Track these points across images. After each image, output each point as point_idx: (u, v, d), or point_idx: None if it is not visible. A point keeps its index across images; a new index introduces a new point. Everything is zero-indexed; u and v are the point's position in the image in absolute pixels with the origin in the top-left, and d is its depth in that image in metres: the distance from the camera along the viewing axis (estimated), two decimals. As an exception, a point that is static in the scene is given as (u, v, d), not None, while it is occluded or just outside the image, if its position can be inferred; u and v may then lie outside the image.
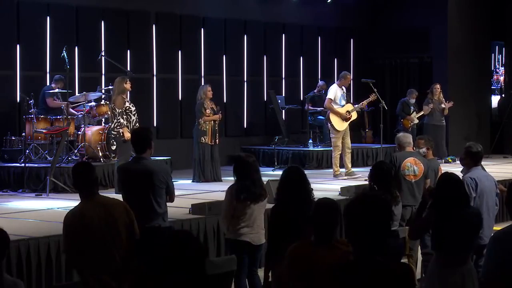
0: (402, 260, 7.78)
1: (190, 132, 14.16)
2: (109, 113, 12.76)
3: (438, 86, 16.99)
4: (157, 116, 15.96)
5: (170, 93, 16.22)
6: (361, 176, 13.57)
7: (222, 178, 13.35)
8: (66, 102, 12.93)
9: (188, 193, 11.77)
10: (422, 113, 17.03)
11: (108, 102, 12.91)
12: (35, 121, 12.54)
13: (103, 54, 14.24)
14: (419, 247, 8.94)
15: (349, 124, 14.18)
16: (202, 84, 15.16)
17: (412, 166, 9.18)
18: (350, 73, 15.67)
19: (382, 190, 7.75)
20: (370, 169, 9.05)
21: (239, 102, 17.54)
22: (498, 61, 21.94)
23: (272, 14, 17.98)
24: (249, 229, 7.41)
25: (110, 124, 12.59)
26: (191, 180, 13.46)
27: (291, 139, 17.12)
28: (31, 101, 12.63)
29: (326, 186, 12.86)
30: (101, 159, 12.73)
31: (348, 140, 14.12)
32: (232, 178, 7.62)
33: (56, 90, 13.19)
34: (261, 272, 7.59)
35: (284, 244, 6.87)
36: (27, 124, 12.63)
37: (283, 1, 18.21)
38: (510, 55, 21.07)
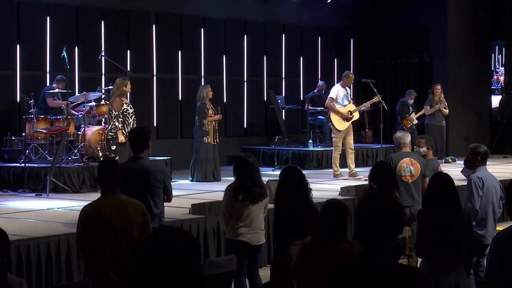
0: (401, 260, 7.80)
1: (190, 132, 14.17)
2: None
3: (439, 86, 16.97)
4: (157, 116, 15.96)
5: (170, 93, 16.22)
6: (362, 177, 13.56)
7: (222, 178, 13.37)
8: (66, 102, 12.93)
9: (188, 193, 11.77)
10: (421, 113, 17.01)
11: (108, 102, 12.91)
12: (35, 121, 12.54)
13: (103, 54, 14.24)
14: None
15: (351, 125, 14.17)
16: (202, 84, 15.18)
17: (408, 166, 9.16)
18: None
19: (381, 190, 7.75)
20: (370, 169, 9.06)
21: (239, 102, 17.54)
22: (498, 61, 21.94)
23: (272, 14, 17.98)
24: (247, 229, 7.41)
25: (107, 125, 12.62)
26: (190, 180, 13.47)
27: (291, 139, 17.12)
28: (31, 101, 12.63)
29: (326, 186, 12.86)
30: (101, 159, 12.72)
31: (351, 140, 14.08)
32: (232, 178, 7.63)
33: (56, 90, 13.19)
34: (261, 272, 7.61)
35: (285, 243, 6.91)
36: (27, 124, 12.62)
37: (283, 1, 18.21)
38: (510, 55, 21.07)
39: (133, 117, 12.05)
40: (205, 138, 13.41)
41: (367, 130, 19.05)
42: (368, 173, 9.49)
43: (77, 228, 6.29)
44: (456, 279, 6.03)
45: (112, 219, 6.05)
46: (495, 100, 21.36)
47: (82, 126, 12.88)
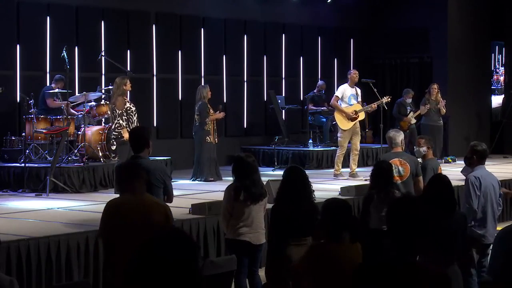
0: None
1: (190, 132, 14.17)
2: (109, 113, 12.79)
3: (435, 86, 16.92)
4: (157, 116, 15.96)
5: (170, 93, 16.22)
6: (362, 177, 13.54)
7: (224, 178, 13.37)
8: (66, 102, 12.93)
9: (188, 193, 11.77)
10: (418, 112, 16.96)
11: (108, 102, 12.92)
12: (35, 121, 12.54)
13: (103, 54, 14.25)
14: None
15: (359, 125, 14.13)
16: (202, 84, 15.18)
17: (397, 167, 9.06)
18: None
19: (381, 189, 7.75)
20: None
21: (239, 102, 17.54)
22: (498, 61, 21.92)
23: (272, 14, 17.98)
24: (248, 229, 7.41)
25: (110, 124, 12.64)
26: (193, 180, 13.48)
27: (291, 139, 17.12)
28: (31, 101, 12.63)
29: (326, 186, 12.86)
30: (101, 159, 12.73)
31: (357, 142, 14.01)
32: (231, 178, 7.63)
33: (56, 90, 13.18)
34: (261, 272, 7.60)
35: (285, 243, 6.90)
36: (27, 124, 12.62)
37: (283, 1, 18.21)
38: (510, 55, 21.07)
39: (136, 115, 12.13)
40: (208, 138, 13.44)
41: (367, 130, 19.03)
42: (370, 172, 9.53)
43: (100, 222, 6.32)
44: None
45: (134, 218, 6.08)
46: (495, 100, 21.36)
47: (82, 126, 12.88)
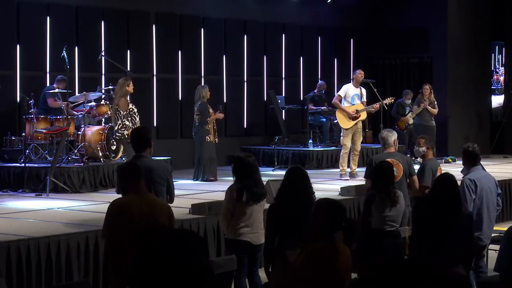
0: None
1: (190, 132, 14.17)
2: (109, 113, 12.81)
3: (427, 86, 16.83)
4: (157, 116, 15.96)
5: (170, 93, 16.22)
6: (361, 178, 13.53)
7: (222, 178, 13.38)
8: (66, 102, 12.93)
9: (188, 193, 11.77)
10: (415, 113, 16.94)
11: (108, 102, 12.93)
12: (35, 121, 12.53)
13: (103, 54, 14.25)
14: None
15: (361, 125, 14.11)
16: (202, 84, 15.19)
17: None
18: (350, 73, 15.61)
19: (382, 190, 7.75)
20: (366, 168, 9.05)
21: (239, 102, 17.54)
22: (498, 61, 21.92)
23: (272, 14, 17.98)
24: (249, 229, 7.41)
25: (111, 124, 12.66)
26: (194, 179, 13.50)
27: (291, 139, 17.11)
28: (31, 101, 12.63)
29: (326, 186, 12.86)
30: (101, 159, 12.73)
31: (358, 142, 14.00)
32: (231, 178, 7.62)
33: (57, 90, 13.18)
34: (261, 272, 7.60)
35: (283, 243, 6.90)
36: (27, 124, 12.62)
37: (283, 1, 18.21)
38: (510, 55, 21.08)
39: (138, 116, 12.21)
40: (207, 137, 13.45)
41: (367, 130, 19.03)
42: (365, 172, 9.51)
43: (104, 222, 6.32)
44: None
45: (139, 217, 6.09)
46: (495, 100, 21.37)
47: (82, 126, 12.88)
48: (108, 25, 15.11)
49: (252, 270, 7.59)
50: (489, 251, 8.51)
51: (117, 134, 12.36)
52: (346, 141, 13.92)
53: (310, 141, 16.53)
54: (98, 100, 13.22)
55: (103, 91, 13.56)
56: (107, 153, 12.83)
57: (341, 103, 13.99)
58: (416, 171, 9.35)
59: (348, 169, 14.07)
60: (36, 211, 10.19)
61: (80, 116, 13.07)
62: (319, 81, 17.78)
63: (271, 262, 6.96)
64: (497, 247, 9.30)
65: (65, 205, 10.67)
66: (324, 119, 16.94)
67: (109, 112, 12.81)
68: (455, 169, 14.20)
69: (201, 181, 13.41)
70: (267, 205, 7.66)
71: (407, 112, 17.02)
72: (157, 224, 6.10)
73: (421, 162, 9.75)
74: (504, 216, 12.56)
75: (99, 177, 12.44)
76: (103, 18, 15.07)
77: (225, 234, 7.75)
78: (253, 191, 7.37)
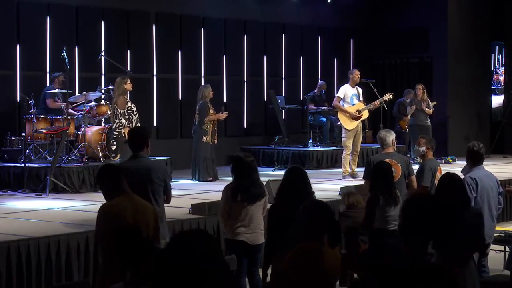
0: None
1: (190, 132, 14.17)
2: (109, 113, 12.81)
3: (420, 86, 16.78)
4: (157, 116, 15.96)
5: (170, 93, 16.22)
6: (362, 178, 13.52)
7: (221, 178, 13.39)
8: (65, 103, 12.93)
9: (188, 193, 11.77)
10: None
11: (108, 102, 12.93)
12: (35, 121, 12.53)
13: (103, 54, 14.25)
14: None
15: (361, 125, 14.11)
16: (203, 84, 15.19)
17: None
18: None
19: (384, 190, 7.75)
20: (366, 168, 9.03)
21: (239, 102, 17.54)
22: (498, 61, 21.93)
23: (272, 14, 17.98)
24: (246, 229, 7.40)
25: (111, 124, 12.66)
26: (192, 179, 13.50)
27: (291, 139, 17.11)
28: (31, 101, 12.63)
29: (326, 186, 12.86)
30: (101, 159, 12.73)
31: (358, 142, 13.99)
32: (231, 178, 7.63)
33: (57, 90, 13.18)
34: (261, 272, 7.60)
35: (284, 243, 6.89)
36: (27, 124, 12.62)
37: (283, 1, 18.21)
38: (510, 55, 21.07)
39: (137, 115, 12.22)
40: (204, 138, 13.44)
41: (367, 130, 19.04)
42: (364, 172, 9.50)
43: (95, 227, 6.29)
44: (463, 279, 6.03)
45: (131, 216, 6.07)
46: (495, 100, 21.37)
47: (82, 126, 12.88)
48: (108, 25, 15.11)
49: (252, 270, 7.59)
50: (490, 251, 8.51)
51: (114, 132, 12.38)
52: (349, 143, 13.90)
53: (310, 141, 16.53)
54: (98, 100, 13.22)
55: (103, 91, 13.56)
56: (107, 153, 12.83)
57: (340, 104, 14.00)
58: (415, 171, 9.34)
59: (349, 169, 14.06)
60: (36, 211, 10.19)
61: (80, 116, 13.07)
62: (319, 81, 17.78)
63: (271, 262, 6.96)
64: (497, 247, 9.34)
65: (65, 205, 10.66)
66: (324, 119, 16.94)
67: (109, 112, 12.81)
68: (455, 169, 14.17)
69: (197, 181, 13.40)
70: (269, 205, 7.67)
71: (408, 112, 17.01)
72: (147, 225, 6.09)
73: (420, 162, 9.74)
74: (504, 216, 12.56)
75: (99, 177, 12.41)
76: (103, 18, 15.07)
77: (224, 234, 7.76)
78: (250, 191, 7.36)
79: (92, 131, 12.89)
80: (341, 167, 14.22)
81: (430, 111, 16.54)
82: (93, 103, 13.10)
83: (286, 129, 16.99)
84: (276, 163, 15.77)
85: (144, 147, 7.26)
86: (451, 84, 19.21)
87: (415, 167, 9.79)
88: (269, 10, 17.88)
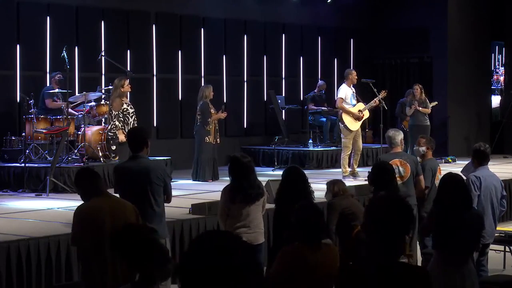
0: (402, 260, 7.78)
1: (190, 132, 14.18)
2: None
3: (417, 86, 16.77)
4: (157, 116, 15.96)
5: (170, 93, 16.22)
6: (362, 177, 13.52)
7: (222, 178, 13.38)
8: (65, 103, 12.93)
9: (188, 193, 11.77)
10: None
11: (108, 102, 12.93)
12: (35, 121, 12.54)
13: (103, 54, 14.24)
14: (419, 247, 8.94)
15: (361, 125, 14.13)
16: (203, 84, 15.19)
17: (398, 167, 8.95)
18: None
19: (383, 190, 7.73)
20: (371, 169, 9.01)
21: (239, 102, 17.54)
22: (498, 61, 21.94)
23: (272, 14, 17.98)
24: (246, 229, 7.40)
25: (107, 125, 12.67)
26: (193, 179, 13.49)
27: (291, 139, 17.12)
28: (31, 101, 12.63)
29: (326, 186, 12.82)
30: (101, 159, 12.73)
31: (360, 143, 14.01)
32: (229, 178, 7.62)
33: (56, 90, 13.18)
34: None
35: (285, 243, 6.90)
36: (27, 124, 12.62)
37: (283, 1, 18.21)
38: (510, 55, 21.07)
39: (133, 117, 12.20)
40: (207, 138, 13.44)
41: (367, 130, 19.04)
42: (368, 173, 9.48)
43: (72, 229, 6.23)
44: (463, 278, 6.03)
45: (108, 216, 6.04)
46: (495, 100, 21.37)
47: (82, 126, 12.88)
48: (108, 25, 15.11)
49: (253, 270, 7.58)
50: (489, 250, 8.50)
51: (108, 134, 12.37)
52: (349, 143, 13.91)
53: (310, 141, 16.53)
54: (98, 100, 13.22)
55: (103, 91, 13.56)
56: (107, 153, 12.83)
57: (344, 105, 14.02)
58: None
59: (349, 169, 14.06)
60: (36, 211, 10.19)
61: (80, 116, 13.07)
62: (319, 81, 17.79)
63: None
64: (497, 247, 9.34)
65: (65, 205, 10.65)
66: (324, 119, 16.94)
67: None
68: (455, 169, 14.17)
69: (199, 181, 13.40)
70: (269, 205, 7.67)
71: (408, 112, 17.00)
72: (126, 222, 6.05)
73: (420, 161, 9.72)
74: (505, 216, 12.53)
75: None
76: (103, 18, 15.07)
77: (225, 234, 7.75)
78: (247, 192, 7.35)
79: (92, 131, 12.89)
80: (341, 167, 14.22)
81: (428, 110, 16.53)
82: (93, 103, 13.10)
83: (286, 129, 16.99)
84: (276, 163, 15.77)
85: (144, 147, 7.24)
86: (451, 84, 19.21)
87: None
88: (269, 10, 17.88)
